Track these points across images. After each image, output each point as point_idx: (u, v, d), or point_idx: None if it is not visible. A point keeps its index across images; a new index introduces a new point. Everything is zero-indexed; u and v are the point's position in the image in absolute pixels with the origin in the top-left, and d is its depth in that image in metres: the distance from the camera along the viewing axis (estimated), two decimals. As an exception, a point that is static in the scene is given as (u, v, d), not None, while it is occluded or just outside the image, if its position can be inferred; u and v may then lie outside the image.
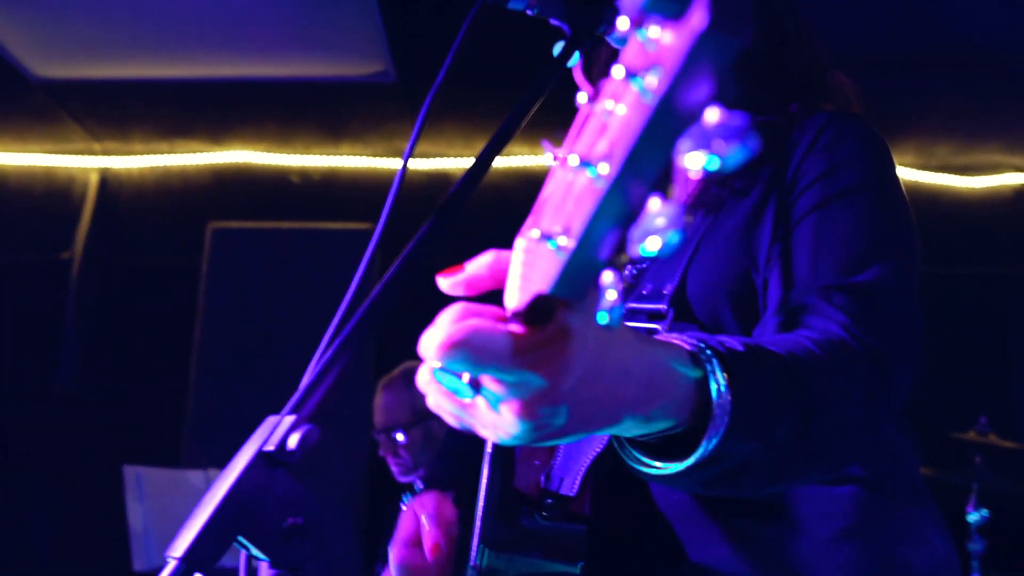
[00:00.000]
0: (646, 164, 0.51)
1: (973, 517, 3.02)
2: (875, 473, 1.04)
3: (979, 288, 4.47)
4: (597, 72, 1.34)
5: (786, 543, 1.01)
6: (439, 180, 4.63)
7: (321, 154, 4.64)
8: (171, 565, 0.66)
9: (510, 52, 3.75)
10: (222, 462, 2.95)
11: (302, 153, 4.64)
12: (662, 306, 1.08)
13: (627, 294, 1.14)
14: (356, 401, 3.67)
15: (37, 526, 4.24)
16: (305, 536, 0.72)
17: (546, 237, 0.56)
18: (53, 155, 4.70)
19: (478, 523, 1.03)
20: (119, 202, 4.67)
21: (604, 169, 0.52)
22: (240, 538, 0.70)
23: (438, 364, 0.61)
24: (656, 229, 0.52)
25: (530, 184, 4.47)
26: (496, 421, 0.64)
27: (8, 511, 4.26)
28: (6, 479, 4.29)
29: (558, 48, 1.09)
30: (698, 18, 0.46)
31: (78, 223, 4.60)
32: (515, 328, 0.60)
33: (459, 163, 4.62)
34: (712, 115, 0.48)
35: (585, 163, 0.53)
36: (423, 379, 0.66)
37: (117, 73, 3.88)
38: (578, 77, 1.21)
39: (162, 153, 4.66)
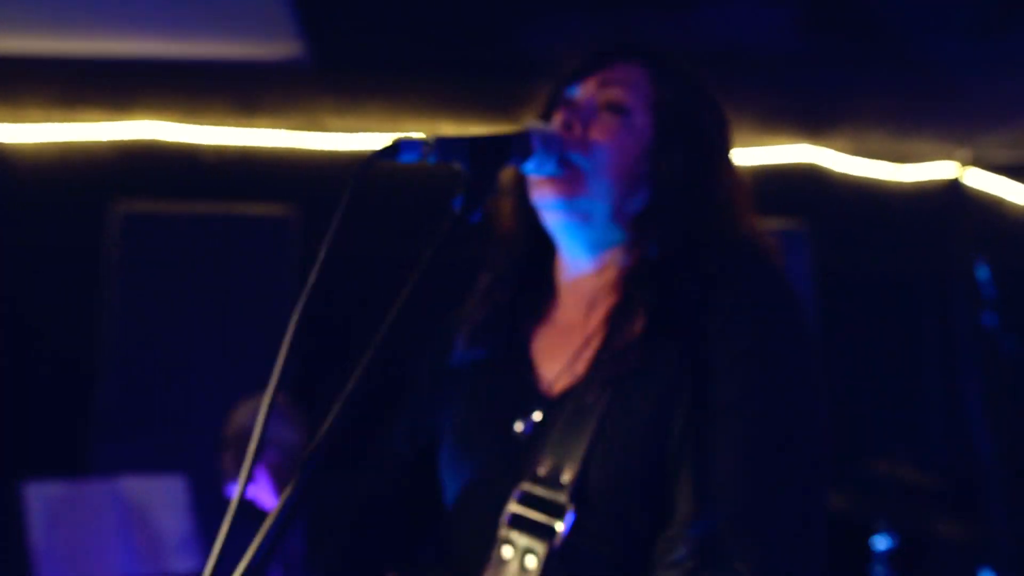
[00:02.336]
0: None
1: (880, 543, 3.06)
2: None
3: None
4: (498, 199, 1.27)
5: None
6: (363, 158, 4.44)
7: (235, 127, 4.39)
8: None
9: (430, 33, 3.60)
10: (134, 465, 2.76)
11: (215, 125, 4.38)
12: (562, 498, 1.03)
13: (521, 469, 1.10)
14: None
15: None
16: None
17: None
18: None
19: None
20: (13, 178, 4.33)
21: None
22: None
23: None
24: None
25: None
26: None
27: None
28: None
29: (458, 201, 1.02)
30: None
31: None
32: None
33: (384, 139, 4.43)
34: None
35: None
36: None
37: (5, 47, 3.56)
38: None
39: (60, 122, 4.33)
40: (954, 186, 4.67)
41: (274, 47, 3.56)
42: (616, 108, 1.18)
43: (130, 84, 4.01)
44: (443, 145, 1.06)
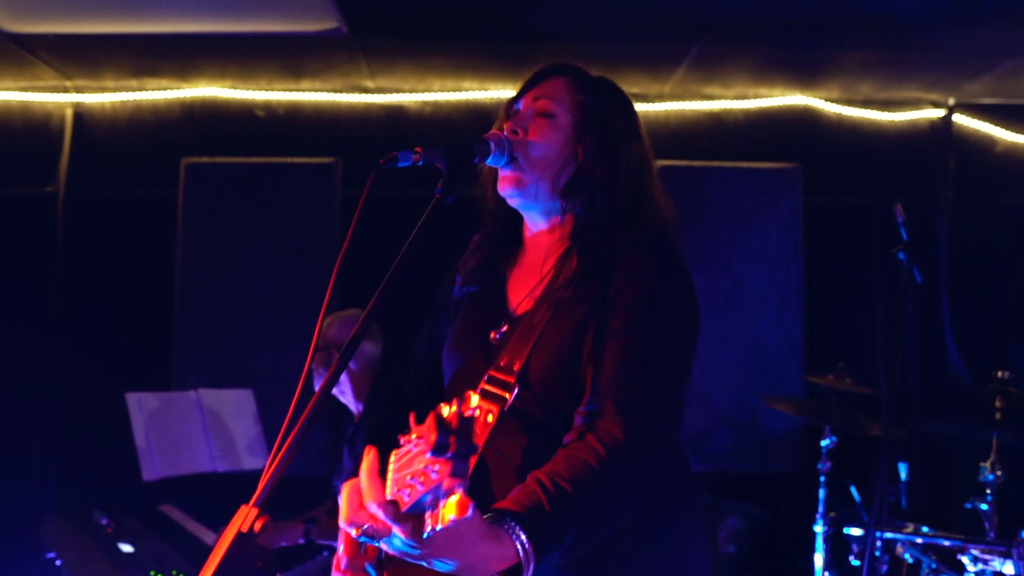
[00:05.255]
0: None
1: (824, 443, 3.55)
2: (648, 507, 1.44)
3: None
4: (477, 182, 1.73)
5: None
6: (395, 113, 4.94)
7: (284, 89, 4.91)
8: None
9: (450, 6, 4.01)
10: (209, 381, 3.56)
11: (267, 88, 4.91)
12: (511, 379, 1.46)
13: (491, 362, 1.54)
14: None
15: (48, 445, 4.71)
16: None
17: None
18: (27, 92, 4.93)
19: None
20: (95, 137, 4.91)
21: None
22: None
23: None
24: None
25: (479, 117, 4.79)
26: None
27: (13, 431, 4.68)
28: (9, 403, 4.68)
29: (439, 189, 1.43)
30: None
31: (59, 159, 4.88)
32: None
33: (413, 98, 4.94)
34: None
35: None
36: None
37: (82, 29, 4.11)
38: None
39: (132, 91, 4.91)
40: (939, 128, 4.99)
41: (316, 22, 4.05)
42: (546, 114, 1.60)
43: (194, 55, 4.53)
44: (427, 153, 1.46)
